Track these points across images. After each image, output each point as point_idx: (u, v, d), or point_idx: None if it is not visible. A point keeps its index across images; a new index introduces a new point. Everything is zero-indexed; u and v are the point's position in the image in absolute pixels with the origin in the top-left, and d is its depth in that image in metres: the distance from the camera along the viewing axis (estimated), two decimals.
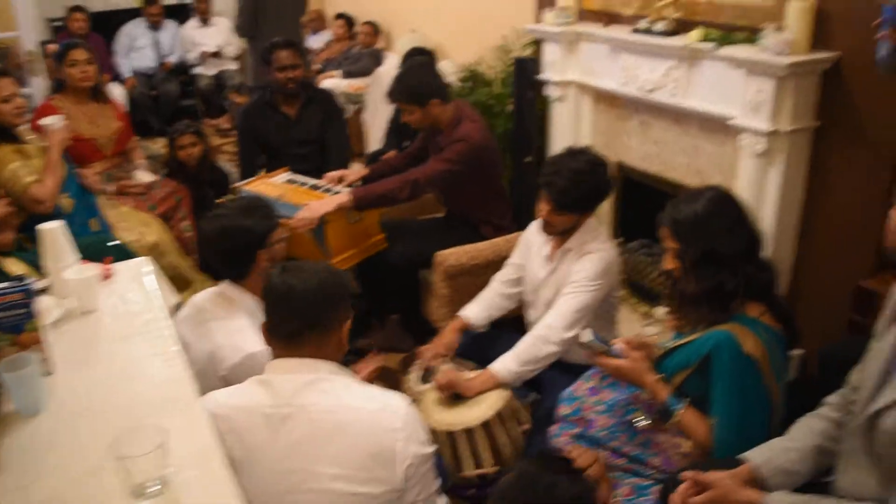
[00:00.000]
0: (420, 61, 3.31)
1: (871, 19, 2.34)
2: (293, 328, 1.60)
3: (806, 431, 1.70)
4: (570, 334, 2.34)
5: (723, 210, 1.89)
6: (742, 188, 2.71)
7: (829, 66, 2.49)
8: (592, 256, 2.41)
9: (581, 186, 2.37)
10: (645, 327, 3.31)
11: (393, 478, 1.54)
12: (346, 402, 1.56)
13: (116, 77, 6.75)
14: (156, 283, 2.27)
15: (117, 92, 6.23)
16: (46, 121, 3.10)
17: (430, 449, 1.63)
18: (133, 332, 1.95)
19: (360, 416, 1.55)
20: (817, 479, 1.68)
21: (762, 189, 2.69)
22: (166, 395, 1.66)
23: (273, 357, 1.64)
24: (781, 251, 2.74)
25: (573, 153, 2.44)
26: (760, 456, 1.68)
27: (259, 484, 1.54)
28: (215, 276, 2.37)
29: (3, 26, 5.07)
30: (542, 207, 2.42)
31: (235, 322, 2.04)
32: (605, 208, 3.73)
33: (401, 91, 3.11)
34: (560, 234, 2.48)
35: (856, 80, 2.45)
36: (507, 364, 2.36)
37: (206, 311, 2.10)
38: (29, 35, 4.74)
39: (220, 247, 2.10)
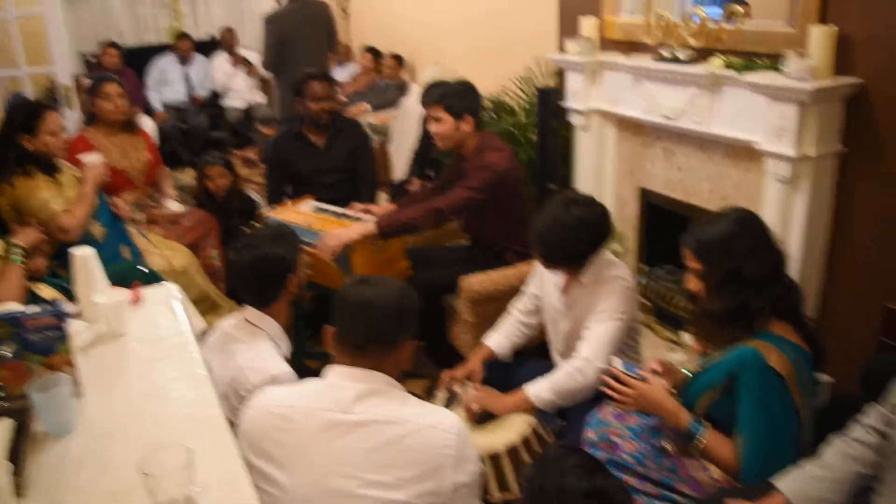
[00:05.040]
0: (466, 81, 3.28)
1: (895, 44, 2.35)
2: (362, 341, 1.66)
3: (840, 457, 1.67)
4: (605, 367, 2.30)
5: (747, 231, 1.89)
6: (768, 214, 2.69)
7: (854, 92, 2.49)
8: (613, 285, 2.38)
9: (567, 245, 2.33)
10: (670, 354, 3.28)
11: (439, 493, 1.57)
12: (402, 415, 1.60)
13: (148, 110, 6.89)
14: (184, 308, 2.30)
15: (148, 125, 6.36)
16: (87, 157, 3.18)
17: (480, 466, 1.67)
18: (161, 355, 1.98)
19: (413, 429, 1.58)
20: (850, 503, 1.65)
21: (788, 214, 2.68)
22: (193, 417, 1.68)
23: (337, 363, 1.69)
24: (809, 276, 2.72)
25: (567, 204, 2.34)
26: (792, 486, 1.66)
27: (305, 484, 1.58)
28: (240, 301, 2.40)
29: (39, 60, 5.20)
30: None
31: (258, 346, 2.07)
32: (630, 235, 3.72)
33: (441, 96, 3.08)
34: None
35: (881, 106, 2.44)
36: (541, 392, 2.34)
37: (231, 336, 2.13)
38: (63, 69, 4.87)
39: (253, 275, 2.14)
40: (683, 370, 2.15)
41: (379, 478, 1.56)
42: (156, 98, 7.05)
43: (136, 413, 1.71)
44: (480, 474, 1.68)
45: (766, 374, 1.77)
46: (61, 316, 1.69)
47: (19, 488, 1.41)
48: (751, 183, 2.91)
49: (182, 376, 1.86)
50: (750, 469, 1.81)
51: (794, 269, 2.62)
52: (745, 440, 1.81)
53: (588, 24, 3.57)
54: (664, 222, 3.47)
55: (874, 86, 2.45)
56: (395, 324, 1.68)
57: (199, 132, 7.07)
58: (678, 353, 3.27)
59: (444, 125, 3.08)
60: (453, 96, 3.08)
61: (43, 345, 1.68)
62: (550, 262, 2.41)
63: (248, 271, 2.13)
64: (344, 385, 1.64)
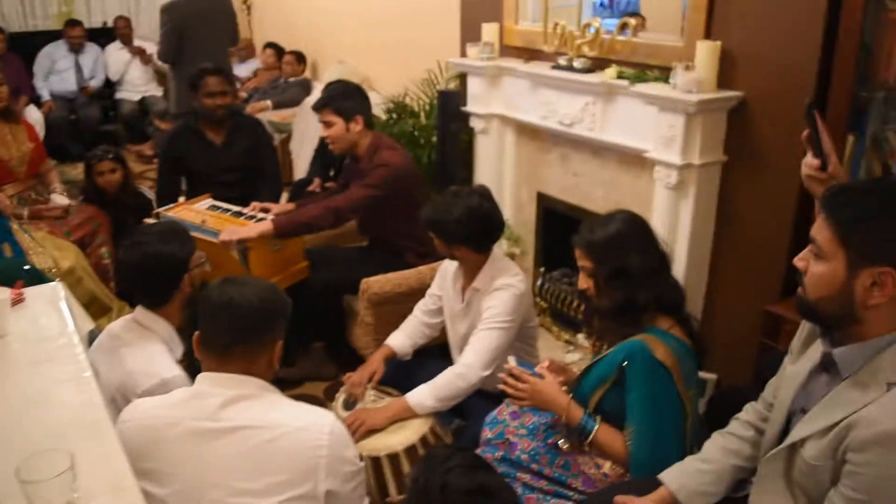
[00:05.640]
0: (352, 81, 3.31)
1: (773, 61, 2.49)
2: (226, 340, 1.61)
3: (720, 451, 1.76)
4: (487, 372, 2.37)
5: (634, 230, 1.99)
6: (657, 219, 2.81)
7: (735, 104, 2.63)
8: (502, 293, 2.43)
9: (460, 228, 2.42)
10: (567, 354, 3.38)
11: (315, 497, 1.54)
12: (272, 419, 1.57)
13: (35, 100, 6.57)
14: (69, 309, 2.21)
15: (35, 115, 6.07)
16: None
17: (358, 466, 1.65)
18: (44, 357, 1.88)
19: (284, 432, 1.55)
20: (730, 494, 1.74)
21: (676, 219, 2.80)
22: (78, 421, 1.61)
23: (204, 370, 1.64)
24: (694, 278, 2.85)
25: (458, 195, 2.47)
26: (677, 480, 1.74)
27: (178, 496, 1.54)
28: (132, 302, 2.33)
29: None
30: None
31: (149, 349, 2.01)
32: (528, 238, 3.80)
33: (328, 99, 3.11)
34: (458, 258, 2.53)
35: (759, 118, 2.59)
36: (423, 398, 2.37)
37: (120, 338, 2.06)
38: None
39: (143, 274, 2.07)
40: (575, 368, 2.23)
41: (248, 485, 1.52)
42: (43, 87, 6.73)
43: (18, 418, 1.63)
44: (360, 474, 1.66)
45: (652, 366, 1.86)
46: None
47: None
48: (642, 189, 3.02)
49: (67, 379, 1.78)
50: (638, 459, 1.89)
51: (680, 272, 2.75)
52: (634, 430, 1.89)
53: (489, 30, 3.63)
54: (561, 226, 3.56)
55: (753, 99, 2.59)
56: (260, 322, 1.63)
57: (89, 124, 6.79)
58: (574, 354, 3.36)
59: (336, 128, 3.10)
60: (341, 98, 3.10)
61: None
62: (448, 242, 2.47)
63: (137, 270, 2.07)
64: (211, 392, 1.59)
